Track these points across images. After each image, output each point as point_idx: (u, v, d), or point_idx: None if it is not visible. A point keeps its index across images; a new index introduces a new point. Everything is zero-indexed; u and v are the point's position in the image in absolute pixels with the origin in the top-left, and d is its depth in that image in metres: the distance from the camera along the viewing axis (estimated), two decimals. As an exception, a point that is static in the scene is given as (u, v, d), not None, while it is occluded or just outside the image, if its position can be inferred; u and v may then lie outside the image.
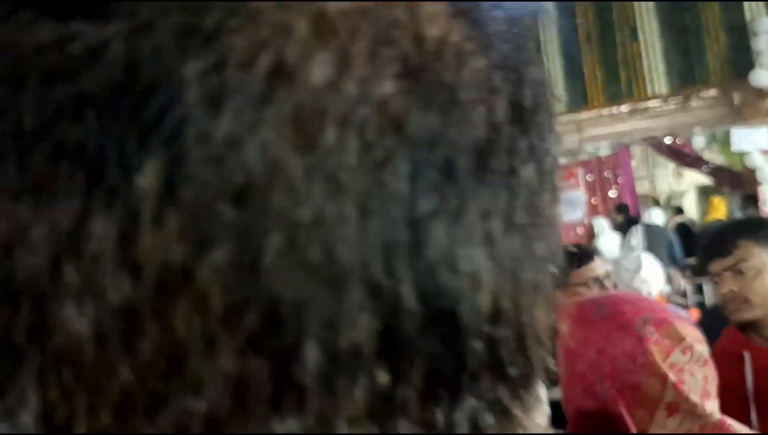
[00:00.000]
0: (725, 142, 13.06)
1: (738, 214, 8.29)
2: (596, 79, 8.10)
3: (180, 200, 0.15)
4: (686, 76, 7.71)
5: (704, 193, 15.75)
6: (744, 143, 6.59)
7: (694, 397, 0.92)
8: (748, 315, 1.42)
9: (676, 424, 0.93)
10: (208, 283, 0.14)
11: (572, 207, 7.16)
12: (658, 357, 0.89)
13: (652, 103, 8.48)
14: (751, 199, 7.99)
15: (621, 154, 11.92)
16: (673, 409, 0.93)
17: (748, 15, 7.35)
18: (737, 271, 1.40)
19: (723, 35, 7.49)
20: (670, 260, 7.51)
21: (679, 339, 0.90)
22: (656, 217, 8.29)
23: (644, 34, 7.87)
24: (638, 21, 7.89)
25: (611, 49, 8.04)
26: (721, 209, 7.81)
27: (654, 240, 7.35)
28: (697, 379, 0.93)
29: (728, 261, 1.41)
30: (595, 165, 9.94)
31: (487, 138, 0.18)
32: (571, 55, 8.24)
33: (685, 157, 9.67)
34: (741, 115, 7.72)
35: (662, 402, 0.93)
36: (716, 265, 1.45)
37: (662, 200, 15.43)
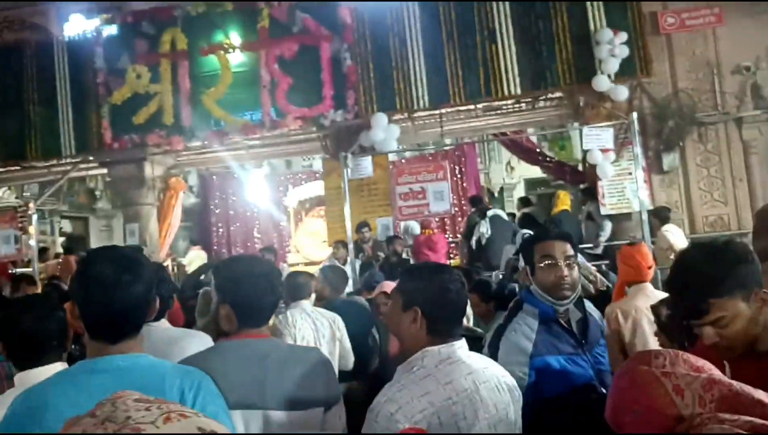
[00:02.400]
0: (565, 140, 14.33)
1: (580, 208, 9.11)
2: (457, 78, 8.41)
3: None
4: (537, 78, 8.25)
5: (532, 185, 17.20)
6: (591, 142, 7.20)
7: None
8: (733, 354, 1.55)
9: None
10: None
11: (441, 199, 7.35)
12: None
13: (506, 102, 9.01)
14: (589, 192, 8.82)
15: (468, 148, 12.60)
16: None
17: (591, 25, 8.06)
18: (716, 325, 1.51)
19: (570, 43, 8.14)
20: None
21: None
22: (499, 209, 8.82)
23: (501, 36, 8.30)
24: (496, 24, 8.31)
25: (471, 50, 8.38)
26: (566, 202, 8.52)
27: (500, 229, 7.82)
28: None
29: (706, 320, 1.51)
30: (451, 158, 10.38)
31: None
32: (434, 53, 8.48)
33: (529, 153, 10.46)
34: (583, 116, 8.48)
35: None
36: (695, 323, 1.55)
37: (496, 192, 16.59)
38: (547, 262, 2.24)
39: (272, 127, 8.99)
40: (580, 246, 8.09)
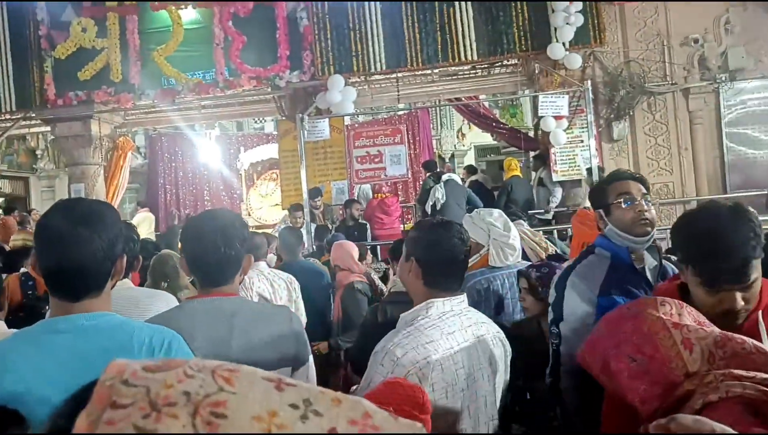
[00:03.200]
0: (516, 107, 14.45)
1: (531, 174, 9.24)
2: (414, 42, 8.34)
3: None
4: (493, 44, 8.26)
5: (482, 152, 17.39)
6: (546, 109, 7.29)
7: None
8: (737, 322, 1.49)
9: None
10: None
11: (398, 162, 7.35)
12: None
13: (462, 68, 9.00)
14: (541, 159, 8.96)
15: (421, 114, 12.59)
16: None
17: (548, -8, 8.08)
18: (747, 288, 1.47)
19: (526, 9, 8.15)
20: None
21: None
22: (454, 174, 8.88)
23: (459, 1, 8.25)
24: (454, -12, 8.24)
25: (429, 14, 8.31)
26: (516, 168, 8.63)
27: (455, 194, 7.90)
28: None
29: (745, 283, 1.46)
30: (405, 123, 10.35)
31: None
32: (392, 16, 8.37)
33: (484, 120, 10.52)
34: (537, 83, 8.56)
35: None
36: (728, 288, 1.47)
37: (447, 159, 16.69)
38: (625, 198, 2.17)
39: (226, 86, 8.77)
40: (531, 211, 8.26)
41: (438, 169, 8.82)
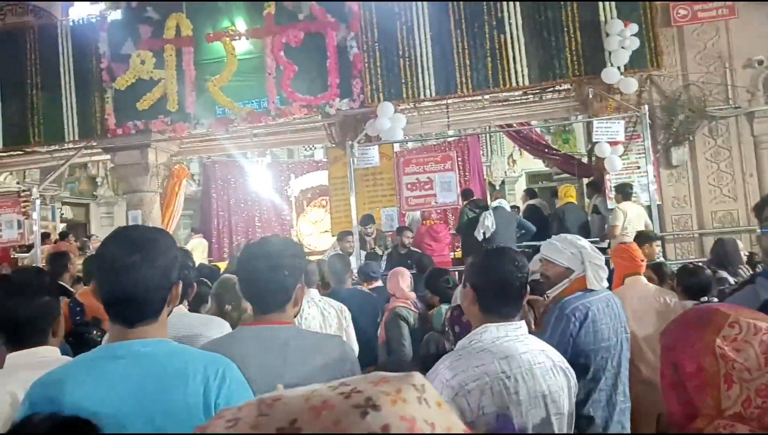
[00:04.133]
0: (569, 133, 14.26)
1: (586, 201, 9.06)
2: (464, 67, 8.34)
3: None
4: (545, 69, 8.18)
5: (533, 178, 17.18)
6: (601, 134, 7.14)
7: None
8: None
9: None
10: None
11: (448, 189, 7.31)
12: None
13: (512, 94, 8.94)
14: (595, 186, 8.77)
15: (471, 140, 12.54)
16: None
17: (602, 16, 7.98)
18: None
19: (579, 33, 8.06)
20: (522, 239, 8.02)
21: None
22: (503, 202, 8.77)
23: (510, 26, 8.22)
24: (505, 13, 8.23)
25: (479, 39, 8.31)
26: (572, 194, 8.47)
27: (504, 221, 7.78)
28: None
29: None
30: (455, 150, 10.31)
31: None
32: (442, 42, 8.40)
33: (536, 146, 10.40)
34: (591, 109, 8.42)
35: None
36: None
37: (498, 185, 16.56)
38: None
39: (277, 115, 8.93)
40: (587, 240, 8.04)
41: (477, 198, 8.71)
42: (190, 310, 2.79)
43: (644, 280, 4.21)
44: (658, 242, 6.39)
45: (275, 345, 1.82)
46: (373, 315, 4.87)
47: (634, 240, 5.27)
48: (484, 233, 7.27)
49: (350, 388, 0.66)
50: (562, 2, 8.08)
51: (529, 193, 10.69)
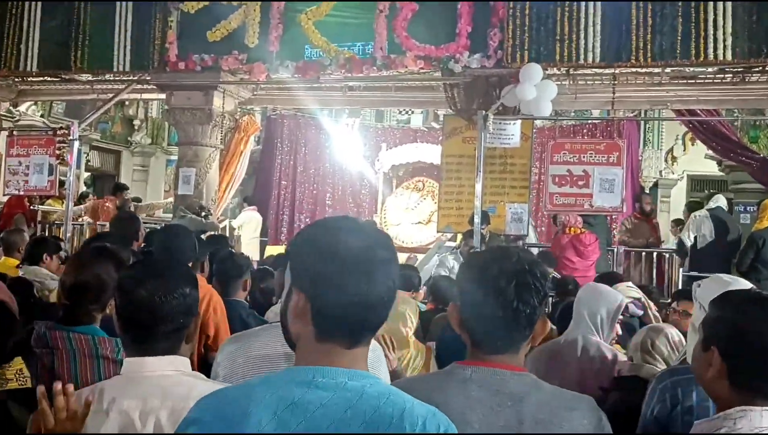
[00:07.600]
0: (760, 128, 13.65)
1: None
2: (644, 29, 8.01)
3: None
4: (757, 42, 7.77)
5: (697, 184, 16.53)
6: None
7: None
8: None
9: None
10: None
11: (610, 190, 7.05)
12: None
13: (704, 70, 8.57)
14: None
15: (628, 126, 12.16)
16: None
17: None
18: None
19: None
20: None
21: None
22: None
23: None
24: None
25: (668, -6, 7.98)
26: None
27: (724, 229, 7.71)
28: None
29: None
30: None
31: None
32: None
33: (726, 143, 9.93)
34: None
35: None
36: None
37: (648, 188, 16.01)
38: None
39: (384, 65, 8.88)
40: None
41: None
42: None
43: None
44: None
45: (507, 400, 1.71)
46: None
47: None
48: (694, 244, 7.02)
49: None
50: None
51: (690, 207, 10.22)
